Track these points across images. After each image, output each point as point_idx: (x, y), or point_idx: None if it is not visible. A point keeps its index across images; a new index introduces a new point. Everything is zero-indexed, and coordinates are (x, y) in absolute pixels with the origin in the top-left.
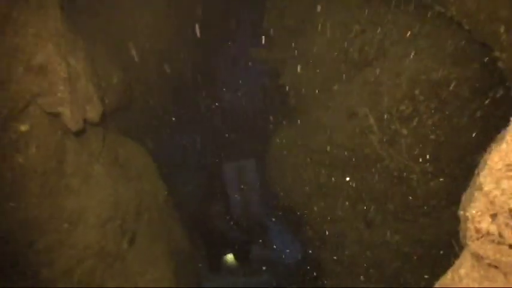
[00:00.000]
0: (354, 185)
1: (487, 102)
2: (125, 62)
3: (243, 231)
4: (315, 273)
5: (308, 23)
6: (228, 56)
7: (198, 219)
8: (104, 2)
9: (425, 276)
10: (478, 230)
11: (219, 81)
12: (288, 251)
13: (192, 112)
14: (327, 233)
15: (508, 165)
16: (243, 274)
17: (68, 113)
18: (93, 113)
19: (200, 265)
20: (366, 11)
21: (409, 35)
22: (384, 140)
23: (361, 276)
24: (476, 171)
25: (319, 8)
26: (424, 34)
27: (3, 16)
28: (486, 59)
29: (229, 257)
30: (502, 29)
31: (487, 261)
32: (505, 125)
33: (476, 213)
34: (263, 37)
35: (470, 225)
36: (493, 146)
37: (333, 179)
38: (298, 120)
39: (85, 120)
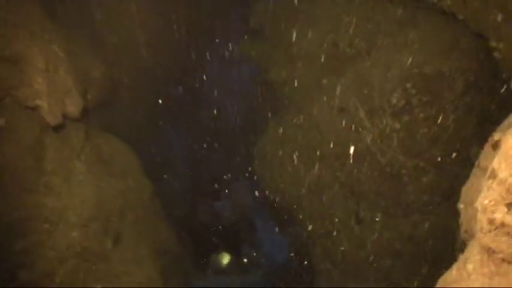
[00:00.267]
0: (344, 181)
1: (481, 95)
2: (108, 56)
3: (231, 230)
4: (305, 272)
5: (297, 16)
6: (215, 50)
7: (186, 218)
8: None
9: (418, 274)
10: (491, 221)
11: (206, 76)
12: (277, 249)
13: (178, 108)
14: (317, 230)
15: None
16: (231, 273)
17: (45, 106)
18: (73, 107)
19: (188, 265)
20: (356, 3)
21: (401, 27)
22: (375, 134)
23: (352, 274)
24: (476, 163)
25: (308, 0)
26: (416, 26)
27: None
28: (481, 50)
29: (222, 255)
30: (499, 18)
31: (500, 255)
32: (502, 117)
33: (489, 203)
34: (251, 31)
35: (482, 216)
36: (497, 134)
37: (322, 175)
38: (287, 116)
39: (65, 115)
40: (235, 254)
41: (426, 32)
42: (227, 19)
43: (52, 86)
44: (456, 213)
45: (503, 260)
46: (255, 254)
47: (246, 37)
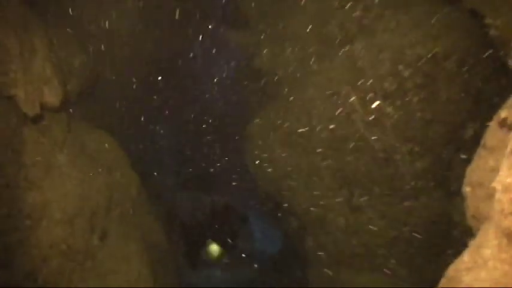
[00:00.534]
0: (336, 168)
1: (475, 75)
2: (90, 47)
3: (221, 222)
4: (297, 262)
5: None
6: (200, 40)
7: (174, 211)
8: None
9: (414, 261)
10: None
11: (191, 66)
12: (268, 239)
13: (164, 99)
14: (309, 219)
15: None
16: (222, 266)
17: (22, 95)
18: (52, 96)
19: (179, 259)
20: None
21: (392, 8)
22: (368, 119)
23: (346, 263)
24: (481, 142)
25: None
26: (407, 7)
27: None
28: (474, 30)
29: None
30: None
31: None
32: (498, 98)
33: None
34: (238, 18)
35: (502, 196)
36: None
37: (314, 162)
38: (276, 103)
39: (43, 105)
40: (225, 247)
41: (417, 12)
42: (212, 7)
43: (29, 74)
44: (451, 198)
45: None
46: (245, 246)
47: (231, 25)
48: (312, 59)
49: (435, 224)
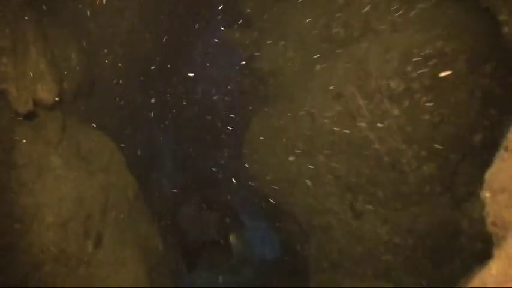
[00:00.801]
0: (340, 172)
1: (484, 77)
2: (89, 47)
3: (220, 227)
4: (299, 269)
5: None
6: (201, 40)
7: (172, 215)
8: None
9: (418, 269)
10: None
11: (191, 67)
12: (268, 246)
13: (161, 100)
14: (310, 225)
15: None
16: (221, 271)
17: (13, 90)
18: (46, 93)
19: (176, 264)
20: None
21: (398, 7)
22: (373, 121)
23: (350, 272)
24: (504, 145)
25: None
26: (415, 5)
27: None
28: (484, 29)
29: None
30: None
31: None
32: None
33: None
34: (238, 17)
35: None
36: None
37: (316, 166)
38: (278, 105)
39: (37, 102)
40: (224, 252)
41: (426, 11)
42: (213, 6)
43: (21, 68)
44: (458, 204)
45: None
46: (243, 252)
47: (233, 24)
48: (315, 59)
49: (441, 230)
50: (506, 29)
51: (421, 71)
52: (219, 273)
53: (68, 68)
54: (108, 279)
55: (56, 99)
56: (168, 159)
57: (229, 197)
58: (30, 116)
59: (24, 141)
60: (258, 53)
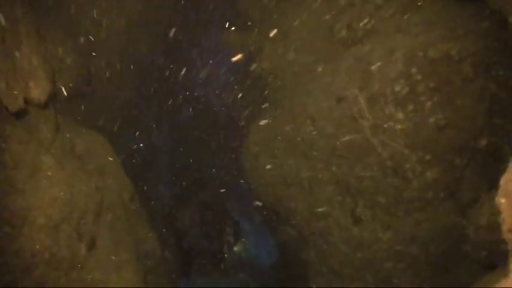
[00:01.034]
0: (340, 177)
1: (491, 81)
2: (85, 46)
3: (217, 231)
4: (297, 276)
5: None
6: (199, 41)
7: (169, 218)
8: None
9: (420, 277)
10: None
11: (189, 68)
12: (265, 251)
13: (159, 101)
14: (310, 231)
15: None
16: (217, 276)
17: (2, 86)
18: (38, 91)
19: (173, 269)
20: None
21: (403, 7)
22: (376, 125)
23: (350, 278)
24: None
25: None
26: (420, 6)
27: None
28: (491, 32)
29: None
30: None
31: None
32: None
33: None
34: (237, 18)
35: None
36: None
37: (316, 170)
38: (278, 108)
39: (28, 100)
40: (222, 256)
41: (431, 12)
42: (212, 6)
43: (11, 63)
44: (463, 210)
45: None
46: (241, 256)
47: (231, 25)
48: (317, 61)
49: (445, 237)
50: None
51: (426, 73)
52: (215, 278)
53: (62, 67)
54: (102, 283)
55: (49, 97)
56: (165, 161)
57: (227, 201)
58: (21, 115)
59: (16, 140)
60: (258, 55)
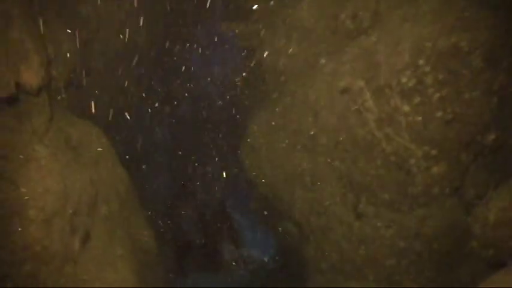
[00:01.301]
0: (343, 172)
1: (502, 74)
2: (83, 34)
3: (215, 226)
4: (296, 272)
5: None
6: (198, 32)
7: (166, 213)
8: None
9: (424, 275)
10: None
11: (188, 60)
12: (265, 247)
13: (158, 94)
14: (310, 226)
15: None
16: (214, 273)
17: None
18: (31, 76)
19: (169, 265)
20: None
21: None
22: (382, 118)
23: (350, 275)
24: None
25: None
26: None
27: None
28: (503, 22)
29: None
30: None
31: None
32: None
33: None
34: (238, 9)
35: None
36: None
37: (318, 165)
38: (279, 102)
39: (20, 86)
40: (220, 252)
41: (440, 1)
42: None
43: (1, 46)
44: (468, 207)
45: None
46: (240, 252)
47: (233, 17)
48: (320, 52)
49: (449, 234)
50: None
51: (434, 64)
52: (213, 275)
53: (58, 55)
54: (96, 279)
55: (42, 84)
56: (163, 155)
57: (225, 196)
58: (12, 101)
59: (6, 128)
60: (259, 47)
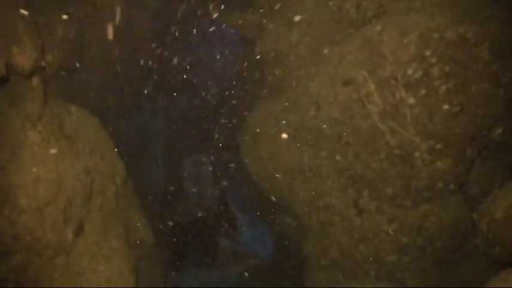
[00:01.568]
0: (345, 166)
1: (510, 66)
2: (79, 19)
3: (212, 220)
4: (294, 268)
5: None
6: (196, 21)
7: (162, 205)
8: None
9: (426, 272)
10: None
11: (186, 50)
12: (262, 241)
13: (156, 83)
14: (310, 222)
15: None
16: (211, 267)
17: None
18: (22, 58)
19: (165, 258)
20: None
21: None
22: (386, 111)
23: (351, 271)
24: None
25: None
26: None
27: None
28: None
29: None
30: None
31: None
32: None
33: None
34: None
35: None
36: None
37: (320, 159)
38: (280, 93)
39: (11, 67)
40: (217, 247)
41: None
42: None
43: None
44: (472, 203)
45: None
46: (237, 247)
47: (233, 7)
48: (323, 42)
49: (453, 231)
50: None
51: (441, 56)
52: (210, 269)
53: (53, 39)
54: (90, 272)
55: (35, 67)
56: (161, 147)
57: (224, 189)
58: (3, 84)
59: None
60: (260, 37)
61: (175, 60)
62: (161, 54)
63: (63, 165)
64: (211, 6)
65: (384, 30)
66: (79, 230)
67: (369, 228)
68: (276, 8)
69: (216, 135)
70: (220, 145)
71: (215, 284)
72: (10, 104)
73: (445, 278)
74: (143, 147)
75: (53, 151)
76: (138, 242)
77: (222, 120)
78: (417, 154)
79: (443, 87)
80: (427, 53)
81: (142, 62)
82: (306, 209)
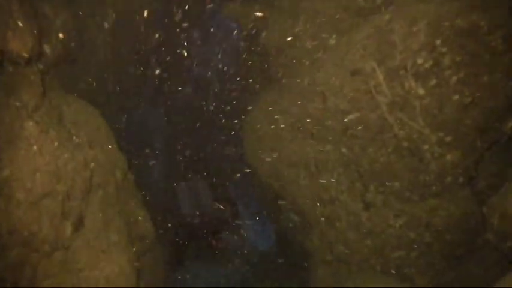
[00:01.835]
0: (351, 159)
1: None
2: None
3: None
4: (298, 264)
5: None
6: (199, 12)
7: (164, 199)
8: None
9: (434, 268)
10: None
11: (188, 41)
12: (266, 237)
13: (156, 75)
14: (315, 215)
15: None
16: (213, 263)
17: None
18: (18, 44)
19: (166, 254)
20: None
21: None
22: (395, 102)
23: (357, 267)
24: None
25: None
26: None
27: None
28: None
29: None
30: None
31: None
32: None
33: None
34: None
35: None
36: None
37: (325, 152)
38: (284, 85)
39: (6, 54)
40: (219, 242)
41: None
42: None
43: None
44: (482, 197)
45: None
46: (240, 242)
47: None
48: (330, 32)
49: (462, 225)
50: None
51: (452, 45)
52: (212, 265)
53: (51, 29)
54: (89, 268)
55: (32, 54)
56: (163, 141)
57: (226, 183)
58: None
59: None
60: (263, 27)
61: (174, 52)
62: (160, 46)
63: (62, 157)
64: None
65: (392, 19)
66: (78, 225)
67: (376, 223)
68: None
69: (218, 126)
70: (222, 137)
71: (218, 281)
72: (4, 92)
73: (454, 273)
74: (145, 139)
75: (51, 143)
76: (139, 236)
77: (225, 112)
78: (426, 147)
79: (454, 78)
80: (438, 42)
81: (140, 53)
82: (311, 203)
